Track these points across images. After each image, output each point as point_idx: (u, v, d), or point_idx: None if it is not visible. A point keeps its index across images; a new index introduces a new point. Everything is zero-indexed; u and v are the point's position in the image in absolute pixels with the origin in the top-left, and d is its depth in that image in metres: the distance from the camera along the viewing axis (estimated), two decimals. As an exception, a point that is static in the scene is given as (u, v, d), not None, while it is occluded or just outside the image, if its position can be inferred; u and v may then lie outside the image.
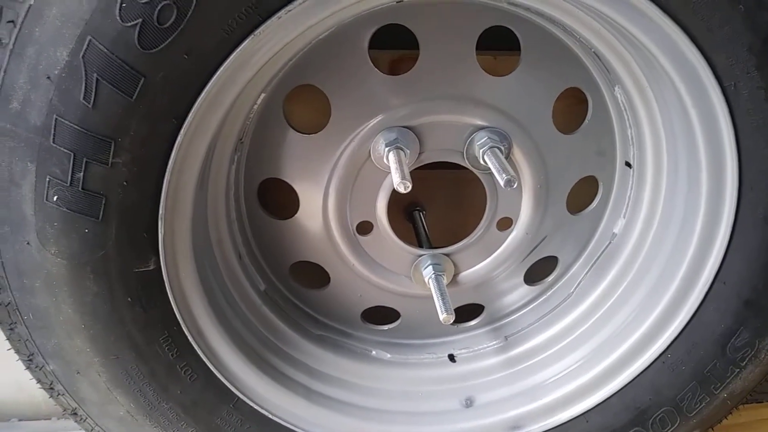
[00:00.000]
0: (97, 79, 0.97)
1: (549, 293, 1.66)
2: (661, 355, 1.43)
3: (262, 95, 1.29)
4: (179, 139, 1.06)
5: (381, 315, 1.66)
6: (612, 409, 1.49)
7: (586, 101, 1.44)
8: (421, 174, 1.47)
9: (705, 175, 1.25)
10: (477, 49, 1.32)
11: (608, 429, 1.50)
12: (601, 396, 1.49)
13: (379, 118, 1.34)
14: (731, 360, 1.39)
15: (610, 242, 1.57)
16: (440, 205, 1.75)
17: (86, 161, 1.03)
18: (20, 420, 2.14)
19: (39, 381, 1.32)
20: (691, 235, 1.33)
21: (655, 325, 1.43)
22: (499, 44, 1.35)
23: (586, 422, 1.51)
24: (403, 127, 1.35)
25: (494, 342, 1.65)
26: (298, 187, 1.42)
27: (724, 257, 1.30)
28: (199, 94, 1.03)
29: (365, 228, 1.49)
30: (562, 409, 1.52)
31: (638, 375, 1.46)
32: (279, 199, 1.47)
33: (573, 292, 1.62)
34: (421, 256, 1.54)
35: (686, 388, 1.43)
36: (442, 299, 1.45)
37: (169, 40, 0.96)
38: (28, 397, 2.05)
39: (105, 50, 0.95)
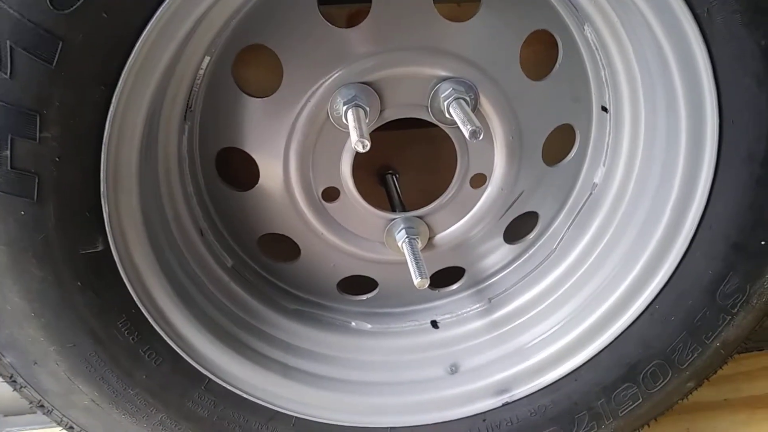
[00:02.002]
0: (10, 46, 0.90)
1: (531, 251, 1.60)
2: (648, 306, 1.38)
3: (207, 58, 1.22)
4: (112, 107, 0.99)
5: (359, 284, 1.61)
6: (601, 366, 1.44)
7: (555, 45, 1.36)
8: (392, 134, 1.41)
9: (683, 112, 1.19)
10: (435, -6, 1.24)
11: (599, 386, 1.45)
12: (590, 353, 1.44)
13: (334, 75, 1.26)
14: (722, 307, 1.33)
15: (590, 193, 1.50)
16: (414, 167, 1.68)
17: (11, 137, 0.96)
18: (5, 416, 2.10)
19: (0, 375, 1.27)
20: (672, 179, 1.27)
21: (641, 276, 1.37)
22: (458, -12, 1.27)
23: (576, 380, 1.46)
24: (362, 83, 1.27)
25: (477, 305, 1.60)
26: (257, 155, 1.35)
27: (708, 199, 1.24)
28: (126, 56, 0.96)
29: (331, 194, 1.42)
30: (551, 369, 1.47)
31: (626, 329, 1.41)
32: (239, 169, 1.40)
33: (555, 249, 1.56)
34: (393, 220, 1.47)
35: (677, 340, 1.38)
36: (416, 263, 1.39)
37: (84, -3, 0.88)
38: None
39: (15, 14, 0.88)
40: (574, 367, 1.45)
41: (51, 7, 0.88)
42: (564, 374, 1.46)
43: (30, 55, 0.91)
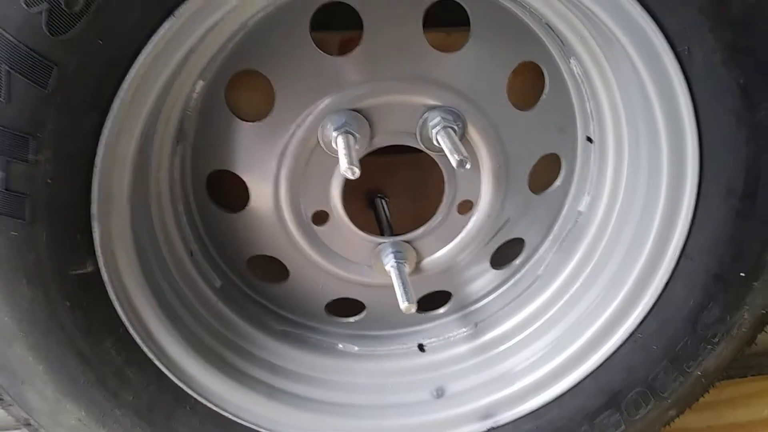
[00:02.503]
0: (7, 70, 0.92)
1: (517, 276, 1.61)
2: (632, 334, 1.39)
3: (200, 82, 1.24)
4: (105, 131, 1.01)
5: (346, 307, 1.61)
6: (585, 392, 1.45)
7: (542, 76, 1.39)
8: (382, 159, 1.43)
9: (665, 145, 1.21)
10: (425, 25, 1.26)
11: (582, 413, 1.46)
12: (574, 379, 1.45)
13: (325, 101, 1.28)
14: (702, 336, 1.35)
15: (576, 221, 1.53)
16: (403, 191, 1.70)
17: (6, 160, 0.98)
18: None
19: (-12, 392, 1.28)
20: (655, 210, 1.29)
21: (624, 304, 1.39)
22: (447, 19, 1.29)
23: (560, 407, 1.47)
24: (352, 110, 1.29)
25: (464, 329, 1.61)
26: (247, 178, 1.37)
27: (689, 231, 1.26)
28: (120, 82, 0.98)
29: (321, 217, 1.43)
30: (535, 395, 1.48)
31: (610, 356, 1.42)
32: (230, 192, 1.42)
33: (541, 275, 1.57)
34: (381, 244, 1.49)
35: (659, 367, 1.39)
36: (404, 287, 1.41)
37: (80, 24, 0.90)
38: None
39: (12, 39, 0.90)
40: (559, 394, 1.46)
41: (47, 33, 0.90)
42: (548, 400, 1.46)
43: (25, 79, 0.92)
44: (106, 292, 1.16)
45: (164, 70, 1.04)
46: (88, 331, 1.17)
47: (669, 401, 1.43)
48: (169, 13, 0.94)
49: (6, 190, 1.00)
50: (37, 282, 1.09)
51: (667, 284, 1.32)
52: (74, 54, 0.92)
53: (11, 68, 0.91)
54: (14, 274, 1.07)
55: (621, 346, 1.41)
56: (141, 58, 0.96)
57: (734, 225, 1.22)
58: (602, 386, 1.44)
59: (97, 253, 1.12)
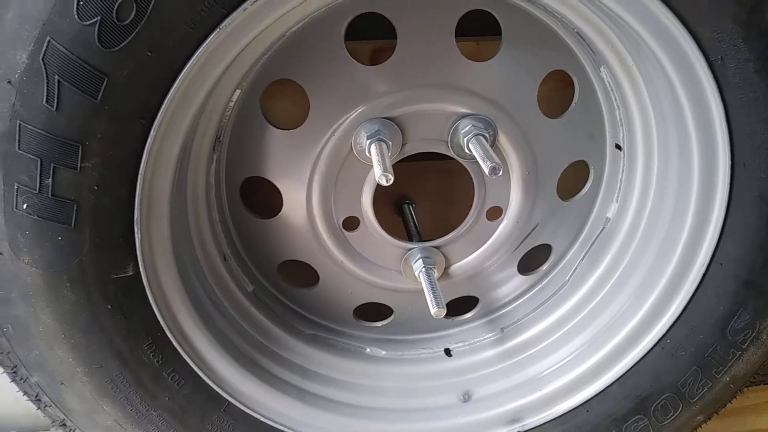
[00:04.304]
0: (59, 81, 0.95)
1: (544, 282, 1.62)
2: (660, 340, 1.40)
3: (238, 92, 1.26)
4: (150, 140, 1.04)
5: (374, 311, 1.63)
6: (613, 398, 1.46)
7: (572, 84, 1.40)
8: (409, 166, 1.45)
9: (696, 153, 1.22)
10: (457, 34, 1.28)
11: (609, 418, 1.47)
12: (601, 384, 1.46)
13: (359, 110, 1.31)
14: (732, 343, 1.35)
15: (603, 227, 1.54)
16: (431, 197, 1.72)
17: (54, 166, 1.01)
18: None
19: (25, 393, 1.30)
20: (684, 216, 1.30)
21: (652, 310, 1.40)
22: (479, 29, 1.31)
23: (587, 412, 1.48)
24: (385, 118, 1.32)
25: (490, 334, 1.62)
26: (281, 185, 1.39)
27: (719, 237, 1.27)
28: (166, 92, 1.00)
29: (352, 223, 1.45)
30: (562, 400, 1.49)
31: (638, 362, 1.43)
32: (263, 198, 1.44)
33: (568, 281, 1.58)
34: (410, 249, 1.51)
35: (687, 373, 1.40)
36: (433, 293, 1.42)
37: (131, 37, 0.93)
38: (25, 409, 2.02)
39: (65, 51, 0.93)
40: (586, 399, 1.47)
41: (99, 45, 0.93)
42: (575, 405, 1.47)
43: (76, 89, 0.95)
44: (145, 295, 1.19)
45: (207, 80, 1.07)
46: (127, 334, 1.20)
47: (697, 407, 1.43)
48: (215, 27, 0.96)
49: (53, 195, 1.03)
50: (79, 285, 1.12)
51: (696, 290, 1.33)
52: (124, 65, 0.95)
53: (62, 78, 0.94)
54: (58, 277, 1.10)
55: (649, 352, 1.41)
56: (187, 69, 0.99)
57: (765, 231, 1.23)
58: (630, 392, 1.45)
59: (138, 258, 1.15)
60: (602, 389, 1.46)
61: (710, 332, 1.35)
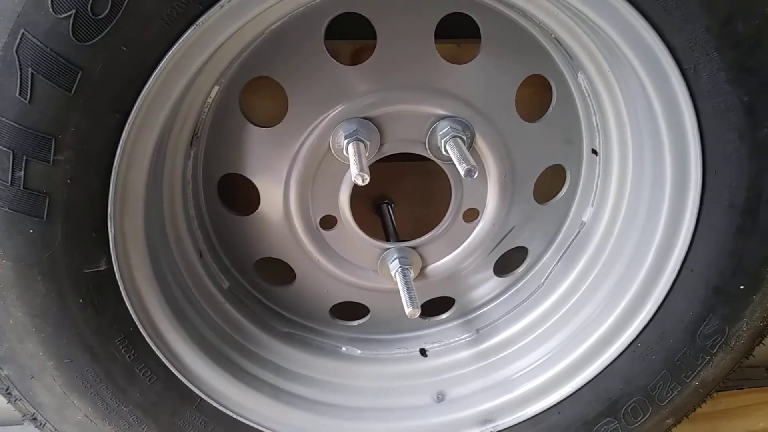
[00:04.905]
0: (32, 73, 0.94)
1: (519, 284, 1.64)
2: (631, 344, 1.41)
3: (216, 88, 1.26)
4: (124, 134, 1.03)
5: (350, 310, 1.64)
6: (584, 400, 1.47)
7: (549, 89, 1.42)
8: (388, 166, 1.46)
9: (669, 160, 1.24)
10: (436, 37, 1.29)
11: (580, 420, 1.48)
12: (573, 387, 1.47)
13: (338, 109, 1.31)
14: (701, 348, 1.37)
15: (579, 231, 1.55)
16: (409, 198, 1.73)
17: (26, 159, 1.00)
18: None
19: (-4, 387, 1.29)
20: (657, 222, 1.31)
21: (624, 314, 1.41)
22: (458, 32, 1.32)
23: (559, 414, 1.49)
24: (363, 118, 1.32)
25: (465, 335, 1.63)
26: (258, 182, 1.39)
27: (690, 244, 1.28)
28: (142, 87, 1.00)
29: (329, 222, 1.46)
30: (535, 401, 1.50)
31: (609, 364, 1.44)
32: (240, 195, 1.44)
33: (543, 283, 1.60)
34: (387, 249, 1.51)
35: (657, 377, 1.41)
36: (409, 293, 1.43)
37: (106, 31, 0.93)
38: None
39: (39, 43, 0.92)
40: (558, 401, 1.48)
41: (73, 39, 0.92)
42: (547, 407, 1.49)
43: (50, 82, 0.95)
44: (118, 290, 1.18)
45: (184, 76, 1.06)
46: (98, 329, 1.19)
47: (666, 410, 1.45)
48: (191, 22, 0.96)
49: (25, 188, 1.02)
50: (51, 279, 1.11)
51: (667, 295, 1.34)
52: (99, 59, 0.94)
53: (36, 71, 0.94)
54: (30, 271, 1.09)
55: (620, 355, 1.43)
56: (163, 65, 0.98)
57: (735, 239, 1.25)
58: (601, 394, 1.46)
59: (110, 252, 1.14)
60: (574, 391, 1.47)
61: (680, 337, 1.37)
